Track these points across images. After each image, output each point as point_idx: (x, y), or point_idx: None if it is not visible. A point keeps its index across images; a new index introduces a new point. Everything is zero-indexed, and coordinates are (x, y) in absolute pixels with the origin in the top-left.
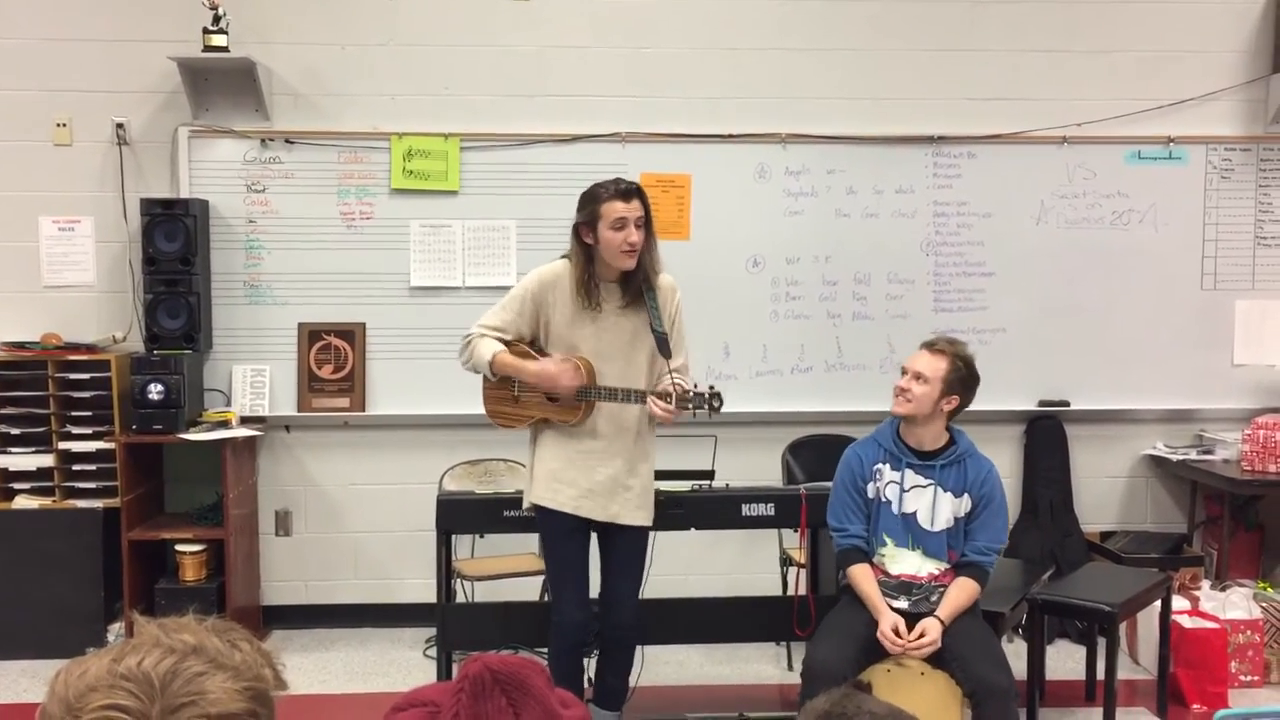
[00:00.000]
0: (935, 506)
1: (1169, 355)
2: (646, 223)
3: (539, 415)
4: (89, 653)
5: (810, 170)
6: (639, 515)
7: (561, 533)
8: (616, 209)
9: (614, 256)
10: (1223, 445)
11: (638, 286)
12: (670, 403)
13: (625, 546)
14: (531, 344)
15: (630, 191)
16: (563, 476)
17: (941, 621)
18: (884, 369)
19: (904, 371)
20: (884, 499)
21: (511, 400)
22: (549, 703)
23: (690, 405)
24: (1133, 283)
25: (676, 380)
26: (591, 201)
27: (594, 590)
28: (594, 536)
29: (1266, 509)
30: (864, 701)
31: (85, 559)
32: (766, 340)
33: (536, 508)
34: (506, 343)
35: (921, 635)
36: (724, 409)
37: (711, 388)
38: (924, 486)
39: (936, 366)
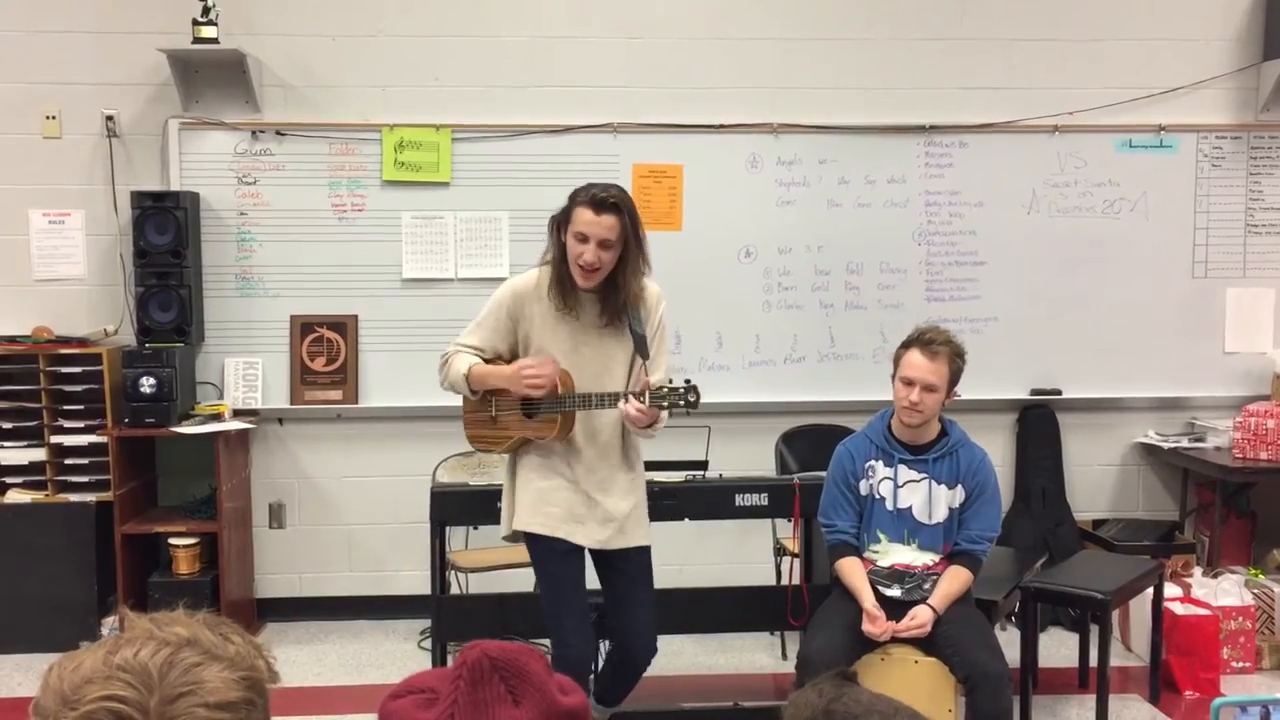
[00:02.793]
0: (931, 500)
1: (1160, 343)
2: (633, 237)
3: (517, 434)
4: (82, 646)
5: (802, 160)
6: (636, 536)
7: (555, 556)
8: (583, 219)
9: (571, 266)
10: (1214, 433)
11: (615, 309)
12: (644, 401)
13: (631, 569)
14: (510, 361)
15: (603, 203)
16: (551, 499)
17: (934, 609)
18: (877, 359)
19: (909, 382)
20: (878, 495)
21: (490, 422)
22: (548, 689)
23: (666, 402)
24: (1124, 271)
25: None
26: (569, 201)
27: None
28: (588, 553)
29: (1258, 496)
30: (860, 695)
31: (78, 553)
32: (759, 330)
33: (526, 534)
34: (486, 361)
35: (913, 620)
36: (718, 399)
37: (687, 381)
38: (918, 481)
39: (941, 372)
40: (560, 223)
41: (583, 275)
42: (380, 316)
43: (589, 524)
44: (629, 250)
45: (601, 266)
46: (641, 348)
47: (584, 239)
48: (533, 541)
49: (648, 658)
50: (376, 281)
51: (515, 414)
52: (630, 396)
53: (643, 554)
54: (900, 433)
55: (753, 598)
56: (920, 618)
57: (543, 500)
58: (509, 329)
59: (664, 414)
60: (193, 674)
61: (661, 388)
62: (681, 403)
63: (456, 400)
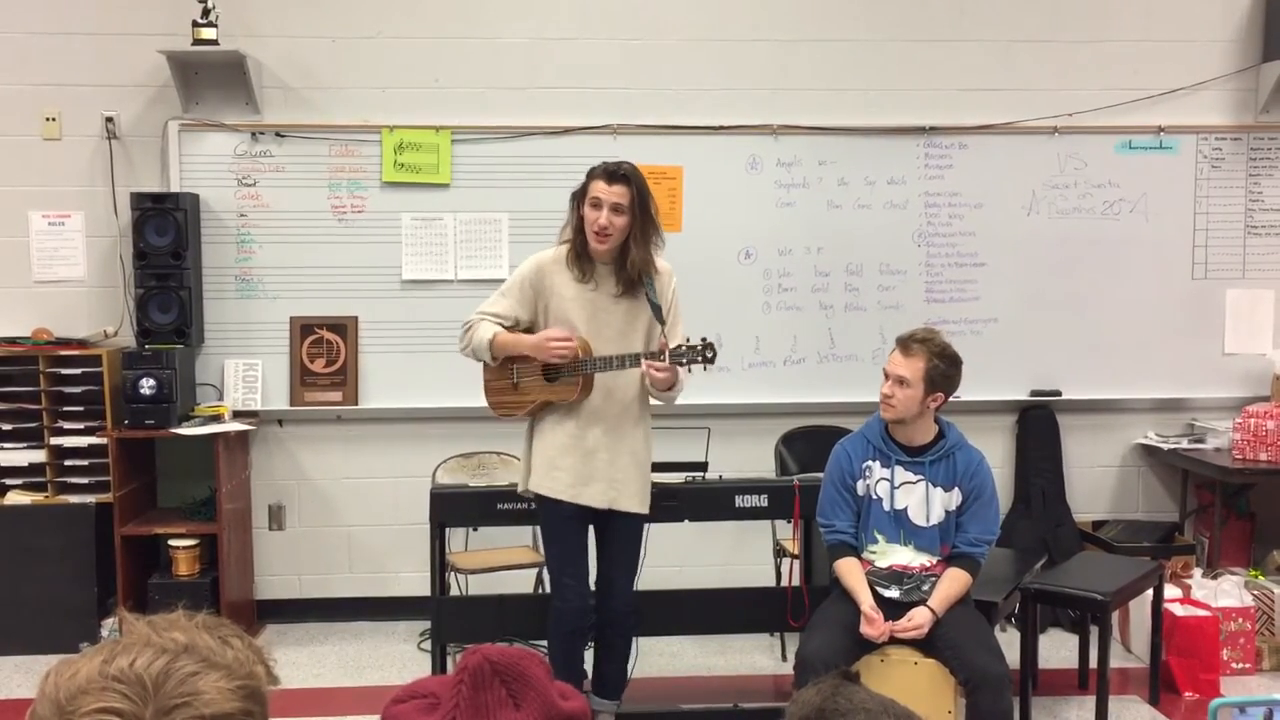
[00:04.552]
0: (927, 502)
1: (1160, 344)
2: (641, 210)
3: (539, 398)
4: (82, 649)
5: (802, 161)
6: (635, 502)
7: (560, 519)
8: (597, 188)
9: (588, 232)
10: (1214, 434)
11: (630, 278)
12: (665, 360)
13: (622, 534)
14: (529, 331)
15: (615, 174)
16: (560, 463)
17: (933, 611)
18: (876, 360)
19: (886, 375)
20: (874, 496)
21: (511, 388)
22: (549, 694)
23: (684, 359)
24: (1124, 272)
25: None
26: (587, 177)
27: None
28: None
29: (1257, 497)
30: (854, 694)
31: (78, 554)
32: (759, 332)
33: (536, 495)
34: (506, 329)
35: (910, 621)
36: (718, 400)
37: (704, 339)
38: (914, 482)
39: (915, 367)
40: (579, 198)
41: (596, 239)
42: (380, 318)
43: (595, 485)
44: (637, 220)
45: (614, 231)
46: (659, 314)
47: (598, 205)
48: (542, 502)
49: (627, 620)
50: (376, 283)
51: (537, 379)
52: (649, 357)
53: (638, 521)
54: (897, 433)
55: (752, 599)
56: (918, 619)
57: (553, 464)
58: (530, 299)
59: (683, 377)
60: (189, 684)
61: (680, 346)
62: (700, 359)
63: (457, 401)
